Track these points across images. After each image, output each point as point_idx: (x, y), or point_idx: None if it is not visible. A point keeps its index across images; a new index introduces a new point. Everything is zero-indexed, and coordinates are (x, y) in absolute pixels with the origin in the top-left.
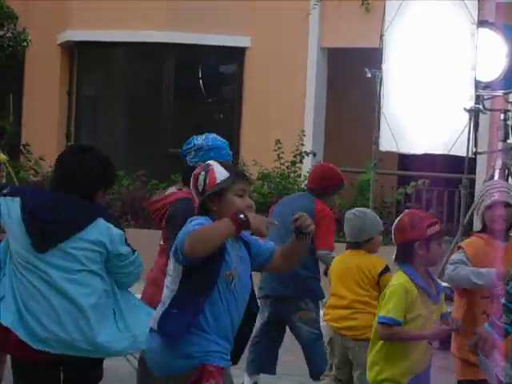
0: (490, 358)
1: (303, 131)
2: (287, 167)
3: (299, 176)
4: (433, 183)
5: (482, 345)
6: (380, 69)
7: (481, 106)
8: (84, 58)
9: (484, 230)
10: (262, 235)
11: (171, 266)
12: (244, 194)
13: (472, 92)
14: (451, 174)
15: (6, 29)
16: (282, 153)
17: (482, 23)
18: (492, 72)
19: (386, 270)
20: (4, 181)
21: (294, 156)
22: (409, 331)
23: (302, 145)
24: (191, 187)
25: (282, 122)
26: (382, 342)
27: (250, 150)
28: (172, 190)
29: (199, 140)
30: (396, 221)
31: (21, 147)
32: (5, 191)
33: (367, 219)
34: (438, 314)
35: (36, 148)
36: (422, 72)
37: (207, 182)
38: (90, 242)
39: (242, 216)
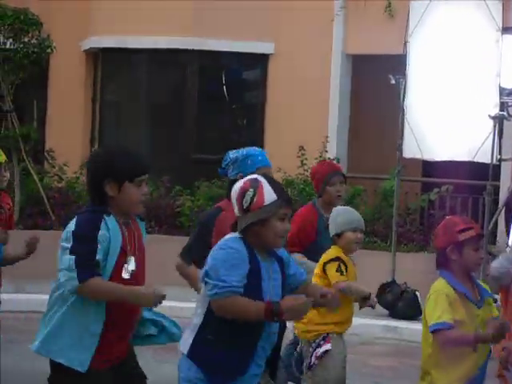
0: None
1: (327, 137)
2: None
3: None
4: (457, 190)
5: None
6: (404, 75)
7: (505, 113)
8: (108, 65)
9: None
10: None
11: (202, 289)
12: (285, 218)
13: (496, 99)
14: (475, 180)
15: (30, 35)
16: (306, 159)
17: (506, 29)
18: None
19: (333, 259)
20: (5, 184)
21: (318, 162)
22: (469, 335)
23: (326, 151)
24: (234, 200)
25: (306, 128)
26: (431, 349)
27: (273, 156)
28: None
29: (233, 153)
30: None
31: (45, 153)
32: None
33: (340, 214)
34: (483, 318)
35: (60, 154)
36: (446, 79)
37: (254, 200)
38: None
39: (276, 311)
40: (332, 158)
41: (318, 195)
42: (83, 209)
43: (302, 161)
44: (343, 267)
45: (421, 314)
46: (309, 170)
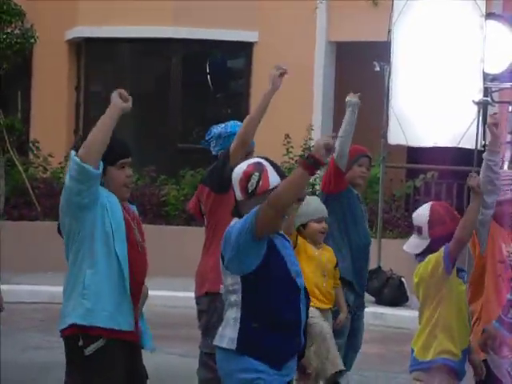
0: (499, 354)
1: (311, 125)
2: (296, 162)
3: None
4: (442, 176)
5: (491, 342)
6: (388, 62)
7: (489, 99)
8: (92, 55)
9: None
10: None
11: (229, 281)
12: None
13: (480, 85)
14: (460, 166)
15: (13, 26)
16: (291, 147)
17: (489, 15)
18: (500, 64)
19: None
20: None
21: (303, 150)
22: None
23: (311, 139)
24: (236, 185)
25: (291, 117)
26: (436, 316)
27: (258, 144)
28: None
29: (218, 128)
30: (427, 215)
31: (29, 144)
32: None
33: (303, 205)
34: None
35: (45, 145)
36: (430, 65)
37: (260, 184)
38: None
39: (311, 159)
40: None
41: None
42: None
43: (287, 149)
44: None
45: (407, 300)
46: (294, 158)
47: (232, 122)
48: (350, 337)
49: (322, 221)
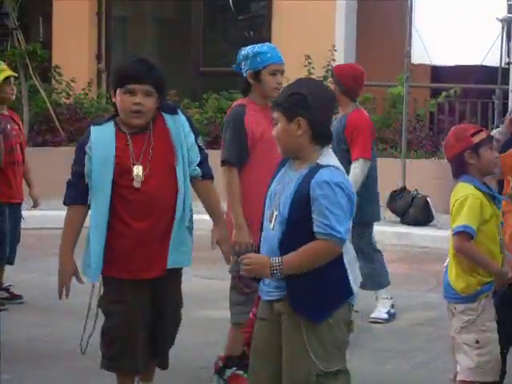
0: None
1: (334, 46)
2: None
3: None
4: (466, 94)
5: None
6: None
7: None
8: None
9: None
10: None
11: None
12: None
13: (504, 1)
14: (484, 84)
15: None
16: (313, 68)
17: None
18: None
19: None
20: (13, 99)
21: (326, 71)
22: (483, 255)
23: (334, 60)
24: None
25: (313, 38)
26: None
27: None
28: None
29: (245, 49)
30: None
31: (52, 70)
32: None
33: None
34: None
35: (67, 70)
36: None
37: None
38: None
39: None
40: None
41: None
42: None
43: (308, 70)
44: None
45: (432, 219)
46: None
47: (261, 44)
48: None
49: None
